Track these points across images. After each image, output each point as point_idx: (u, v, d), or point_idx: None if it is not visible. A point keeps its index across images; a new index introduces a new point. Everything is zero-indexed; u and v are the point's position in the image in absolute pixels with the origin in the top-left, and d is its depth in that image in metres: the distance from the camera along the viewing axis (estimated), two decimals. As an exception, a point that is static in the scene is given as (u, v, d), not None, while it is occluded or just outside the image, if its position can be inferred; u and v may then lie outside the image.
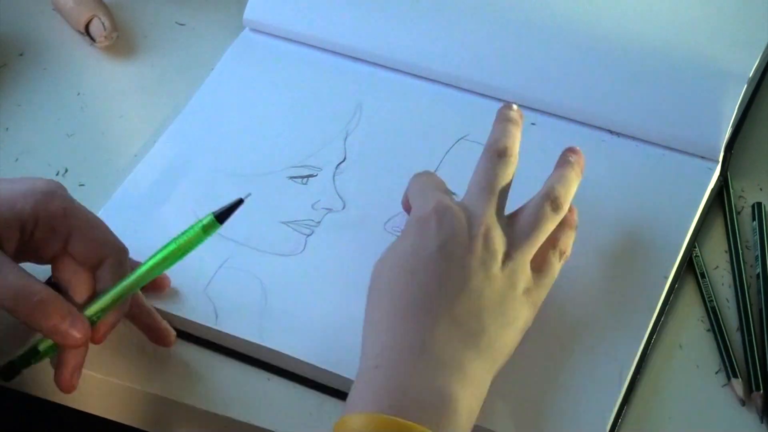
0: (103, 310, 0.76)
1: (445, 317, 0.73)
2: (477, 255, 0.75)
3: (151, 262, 0.77)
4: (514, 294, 0.75)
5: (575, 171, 0.80)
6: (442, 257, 0.74)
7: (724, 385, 0.79)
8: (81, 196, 0.89)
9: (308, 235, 0.85)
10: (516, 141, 0.80)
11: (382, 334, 0.73)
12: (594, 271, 0.82)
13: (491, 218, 0.76)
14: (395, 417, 0.68)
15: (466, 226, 0.76)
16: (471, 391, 0.72)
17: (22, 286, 0.73)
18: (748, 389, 0.78)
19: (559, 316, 0.80)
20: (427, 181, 0.81)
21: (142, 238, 0.85)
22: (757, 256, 0.84)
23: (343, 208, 0.86)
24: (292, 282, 0.82)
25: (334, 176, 0.88)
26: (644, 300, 0.81)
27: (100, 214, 0.86)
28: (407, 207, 0.81)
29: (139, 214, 0.87)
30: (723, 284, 0.84)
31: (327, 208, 0.86)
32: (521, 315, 0.75)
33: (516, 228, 0.77)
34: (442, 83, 0.93)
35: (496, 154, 0.79)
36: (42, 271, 0.78)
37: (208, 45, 0.99)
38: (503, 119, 0.81)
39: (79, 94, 0.97)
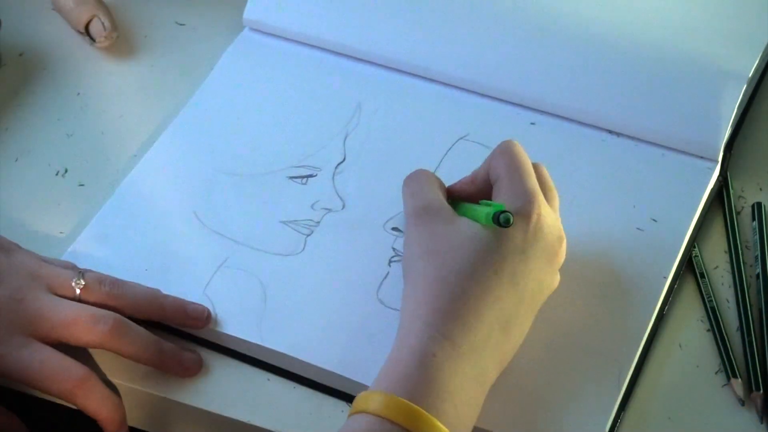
0: None
1: (495, 323, 0.74)
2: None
3: (468, 212, 0.78)
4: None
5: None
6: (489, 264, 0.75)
7: (724, 385, 0.79)
8: (81, 196, 0.89)
9: (308, 235, 0.85)
10: None
11: (424, 323, 0.73)
12: (593, 271, 0.82)
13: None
14: (411, 402, 0.69)
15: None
16: (483, 389, 0.73)
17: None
18: (748, 389, 0.78)
19: (559, 316, 0.80)
20: (422, 177, 0.81)
21: (142, 238, 0.85)
22: (757, 256, 0.84)
23: (343, 208, 0.87)
24: (292, 282, 0.82)
25: (333, 176, 0.88)
26: (644, 300, 0.81)
27: (100, 214, 0.87)
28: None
29: (139, 213, 0.87)
30: (723, 284, 0.84)
31: (326, 208, 0.86)
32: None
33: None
34: (442, 83, 0.93)
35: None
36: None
37: (208, 45, 0.99)
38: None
39: (79, 94, 0.97)
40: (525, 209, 0.76)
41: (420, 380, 0.70)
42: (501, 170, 0.78)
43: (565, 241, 0.78)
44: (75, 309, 0.78)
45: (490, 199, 0.78)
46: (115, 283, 0.80)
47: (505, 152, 0.78)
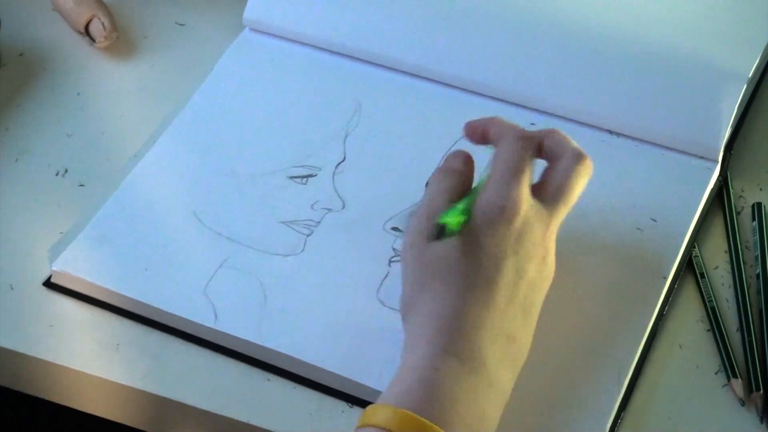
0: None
1: (499, 332, 0.73)
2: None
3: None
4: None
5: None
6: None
7: (724, 385, 0.79)
8: (81, 196, 0.89)
9: (308, 235, 0.85)
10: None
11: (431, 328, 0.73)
12: (593, 271, 0.82)
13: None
14: (418, 416, 0.69)
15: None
16: (499, 399, 0.73)
17: None
18: (748, 389, 0.78)
19: (559, 316, 0.80)
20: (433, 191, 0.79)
21: (142, 238, 0.85)
22: (757, 256, 0.84)
23: (343, 208, 0.87)
24: (292, 282, 0.82)
25: (333, 176, 0.88)
26: (644, 300, 0.81)
27: (100, 214, 0.86)
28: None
29: (139, 213, 0.87)
30: (723, 284, 0.84)
31: (326, 208, 0.86)
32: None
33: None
34: (442, 83, 0.93)
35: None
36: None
37: (208, 45, 0.99)
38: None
39: (79, 94, 0.97)
40: (507, 214, 0.75)
41: (426, 395, 0.70)
42: (498, 163, 0.77)
43: (554, 234, 0.77)
44: None
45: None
46: None
47: (508, 148, 0.77)
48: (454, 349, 0.72)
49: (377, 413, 0.70)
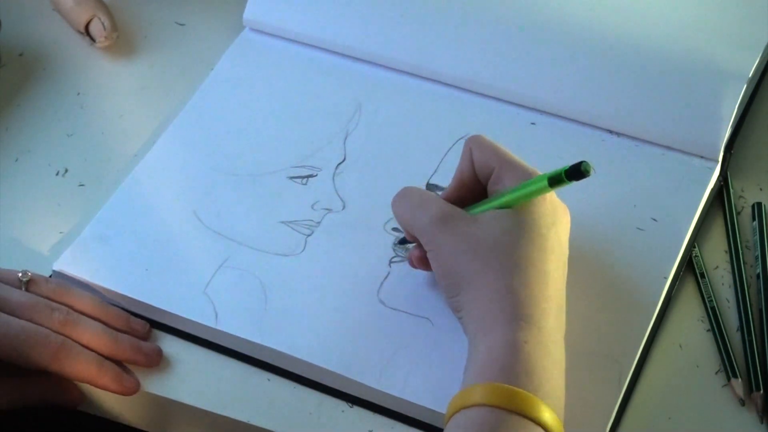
0: None
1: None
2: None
3: (494, 203, 0.77)
4: None
5: None
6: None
7: (724, 385, 0.79)
8: (81, 196, 0.89)
9: (308, 236, 0.85)
10: None
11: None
12: (594, 271, 0.82)
13: None
14: (509, 386, 0.70)
15: None
16: (563, 366, 0.74)
17: None
18: (748, 389, 0.78)
19: (559, 316, 0.80)
20: (417, 191, 0.80)
21: (142, 237, 0.85)
22: (757, 256, 0.84)
23: (343, 208, 0.86)
24: (292, 282, 0.82)
25: (333, 176, 0.88)
26: (644, 300, 0.81)
27: (100, 214, 0.86)
28: (410, 232, 0.80)
29: (139, 213, 0.87)
30: (723, 284, 0.84)
31: (327, 209, 0.86)
32: None
33: None
34: (442, 83, 0.93)
35: None
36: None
37: (208, 45, 0.99)
38: None
39: (79, 94, 0.97)
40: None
41: (520, 368, 0.71)
42: (491, 161, 0.78)
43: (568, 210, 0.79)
44: (31, 295, 0.80)
45: (479, 200, 0.78)
46: (60, 282, 0.82)
47: (484, 144, 0.79)
48: (533, 319, 0.73)
49: (471, 394, 0.70)
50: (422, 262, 0.80)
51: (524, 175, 0.77)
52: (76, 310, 0.80)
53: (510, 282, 0.74)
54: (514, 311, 0.73)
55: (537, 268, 0.74)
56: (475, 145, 0.79)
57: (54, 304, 0.79)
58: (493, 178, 0.78)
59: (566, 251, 0.78)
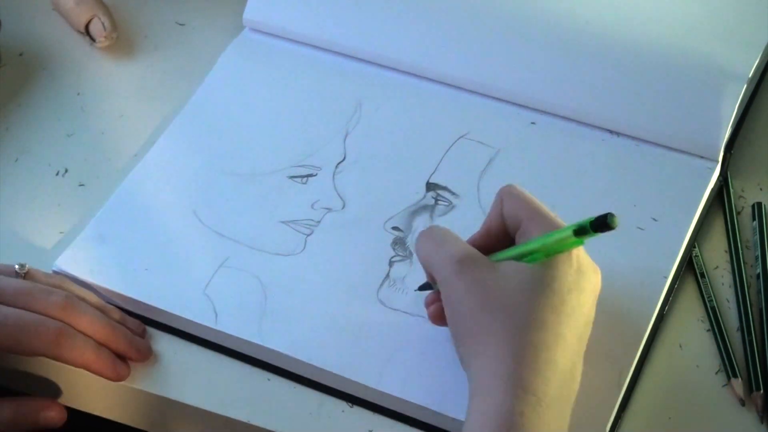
0: None
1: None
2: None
3: (517, 250, 0.74)
4: None
5: None
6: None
7: (724, 385, 0.79)
8: (81, 196, 0.89)
9: (308, 235, 0.85)
10: None
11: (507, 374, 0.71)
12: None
13: None
14: None
15: None
16: None
17: None
18: (748, 389, 0.78)
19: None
20: (441, 230, 0.78)
21: (142, 237, 0.85)
22: (757, 256, 0.84)
23: (343, 207, 0.86)
24: (292, 282, 0.82)
25: (333, 176, 0.88)
26: (644, 300, 0.81)
27: (100, 214, 0.86)
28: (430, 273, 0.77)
29: (139, 213, 0.87)
30: (723, 284, 0.84)
31: (327, 208, 0.86)
32: None
33: None
34: (442, 83, 0.93)
35: None
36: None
37: (208, 45, 0.99)
38: None
39: (79, 94, 0.97)
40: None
41: None
42: (520, 213, 0.76)
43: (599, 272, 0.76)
44: (27, 282, 0.80)
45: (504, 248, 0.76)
46: (59, 276, 0.82)
47: (515, 195, 0.76)
48: (532, 387, 0.70)
49: None
50: (439, 318, 0.77)
51: (551, 226, 0.74)
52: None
53: (515, 345, 0.71)
54: (514, 378, 0.70)
55: (549, 332, 0.71)
56: (506, 195, 0.76)
57: (51, 288, 0.79)
58: (521, 229, 0.75)
59: (590, 315, 0.74)
